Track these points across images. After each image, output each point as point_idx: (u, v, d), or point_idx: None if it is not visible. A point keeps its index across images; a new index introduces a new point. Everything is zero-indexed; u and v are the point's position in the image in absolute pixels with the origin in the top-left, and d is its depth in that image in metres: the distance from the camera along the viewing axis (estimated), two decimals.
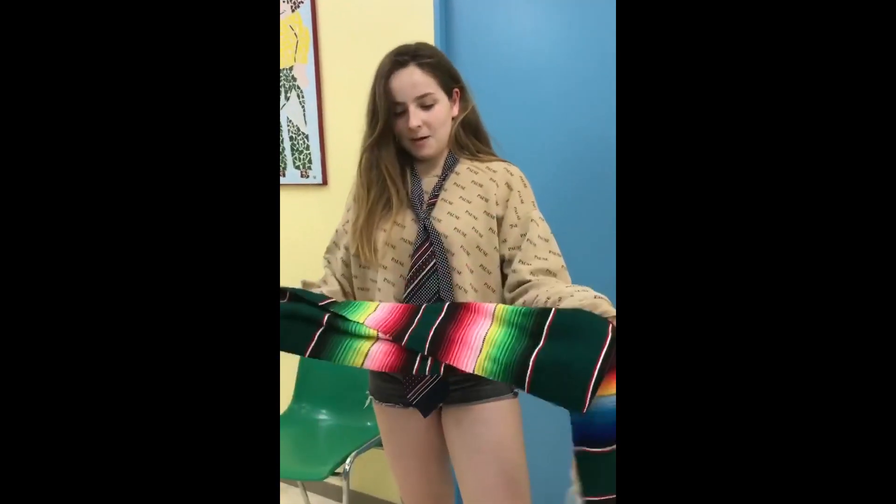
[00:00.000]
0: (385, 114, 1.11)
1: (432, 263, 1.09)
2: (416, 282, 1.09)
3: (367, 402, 1.28)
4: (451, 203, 1.13)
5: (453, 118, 1.18)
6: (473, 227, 1.11)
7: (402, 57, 1.12)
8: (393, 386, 1.18)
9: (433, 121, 1.13)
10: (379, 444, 1.81)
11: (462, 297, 1.09)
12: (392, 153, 1.15)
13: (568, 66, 1.55)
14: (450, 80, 1.15)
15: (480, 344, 0.89)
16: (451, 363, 0.88)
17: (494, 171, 1.16)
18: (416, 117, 1.11)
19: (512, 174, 1.16)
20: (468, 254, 1.10)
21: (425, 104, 1.12)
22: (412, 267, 1.10)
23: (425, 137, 1.14)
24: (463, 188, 1.15)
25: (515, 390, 1.17)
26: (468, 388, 1.13)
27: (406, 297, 1.09)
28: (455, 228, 1.10)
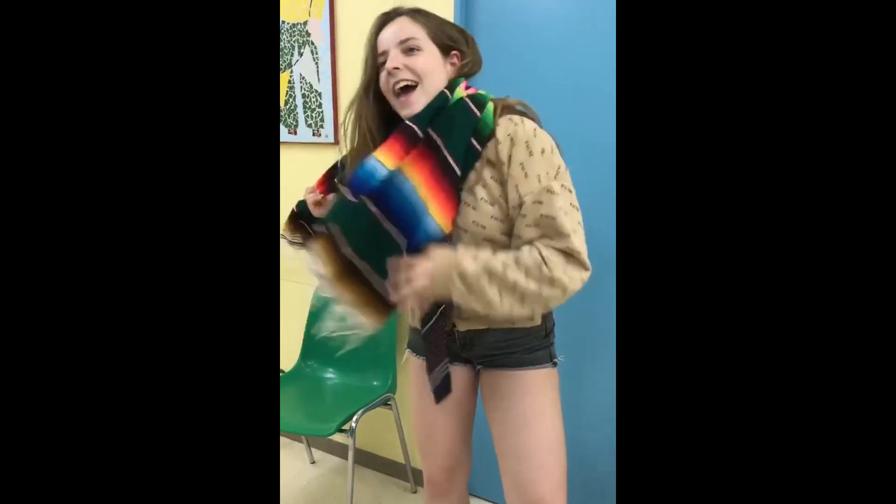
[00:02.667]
0: (371, 66, 1.07)
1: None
2: None
3: (405, 357, 1.28)
4: None
5: (449, 78, 1.07)
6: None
7: (391, 12, 1.09)
8: None
9: (417, 66, 1.03)
10: (384, 403, 1.83)
11: None
12: (374, 111, 1.08)
13: (591, 44, 1.51)
14: (445, 36, 1.07)
15: None
16: None
17: (499, 143, 0.99)
18: (395, 59, 1.03)
19: (515, 143, 0.98)
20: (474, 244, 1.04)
21: (408, 48, 1.04)
22: None
23: (410, 87, 1.02)
24: None
25: (555, 360, 1.17)
26: (509, 355, 1.13)
27: None
28: None
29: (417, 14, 1.08)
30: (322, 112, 1.96)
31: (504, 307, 0.94)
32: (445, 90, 1.05)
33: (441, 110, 1.02)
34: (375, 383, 1.88)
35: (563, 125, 1.55)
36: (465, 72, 1.09)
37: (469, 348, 1.14)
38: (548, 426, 1.12)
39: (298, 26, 1.95)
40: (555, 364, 1.17)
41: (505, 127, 1.00)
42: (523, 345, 1.13)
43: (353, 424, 1.69)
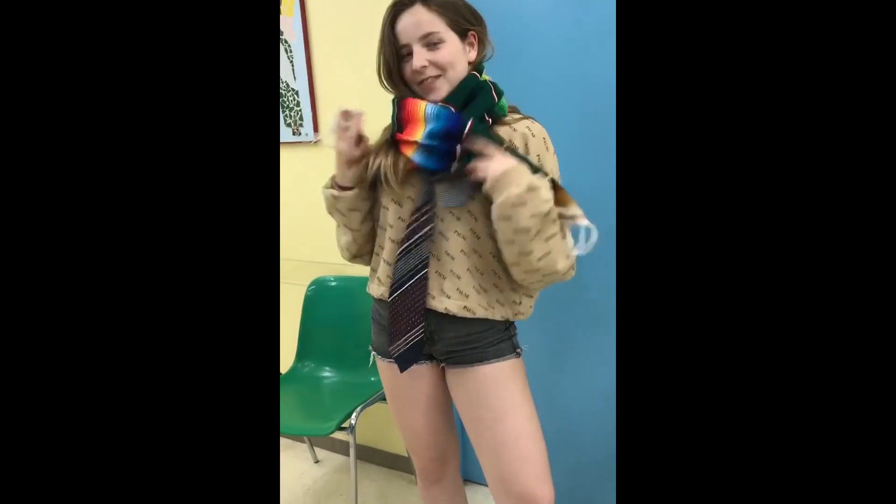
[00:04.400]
0: (392, 56, 1.06)
1: (428, 228, 1.06)
2: (409, 241, 1.08)
3: (371, 359, 1.28)
4: None
5: (469, 63, 1.10)
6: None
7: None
8: None
9: (441, 60, 1.05)
10: (383, 399, 1.83)
11: (449, 264, 1.09)
12: (406, 93, 1.09)
13: (570, 19, 1.50)
14: (462, 21, 1.08)
15: None
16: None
17: (514, 131, 1.08)
18: (419, 57, 1.04)
19: (533, 135, 1.08)
20: (458, 219, 1.08)
21: (431, 42, 1.05)
22: (409, 225, 1.08)
23: (435, 77, 1.06)
24: None
25: (518, 350, 1.17)
26: (471, 350, 1.13)
27: (399, 254, 1.09)
28: None
29: (433, 2, 1.06)
30: (300, 110, 1.94)
31: (535, 241, 1.01)
32: (475, 73, 1.09)
33: (474, 92, 1.08)
34: (373, 379, 1.88)
35: (549, 90, 1.55)
36: (483, 57, 1.12)
37: (432, 343, 1.14)
38: (521, 416, 1.12)
39: None
40: (518, 354, 1.16)
41: (522, 121, 1.09)
42: (485, 339, 1.12)
43: (353, 421, 1.69)
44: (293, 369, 2.00)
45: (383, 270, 1.14)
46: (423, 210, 1.07)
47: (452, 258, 1.09)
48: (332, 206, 1.17)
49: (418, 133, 1.05)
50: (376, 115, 1.16)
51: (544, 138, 1.09)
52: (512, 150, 1.04)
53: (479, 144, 1.02)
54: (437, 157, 1.05)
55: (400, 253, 1.09)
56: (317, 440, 2.24)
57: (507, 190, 0.99)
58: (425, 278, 1.08)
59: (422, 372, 1.19)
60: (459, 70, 1.07)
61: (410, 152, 1.06)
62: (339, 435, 1.82)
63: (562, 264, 1.05)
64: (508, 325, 1.16)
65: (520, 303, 1.15)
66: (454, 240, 1.08)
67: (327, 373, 1.98)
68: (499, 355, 1.13)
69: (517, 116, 1.11)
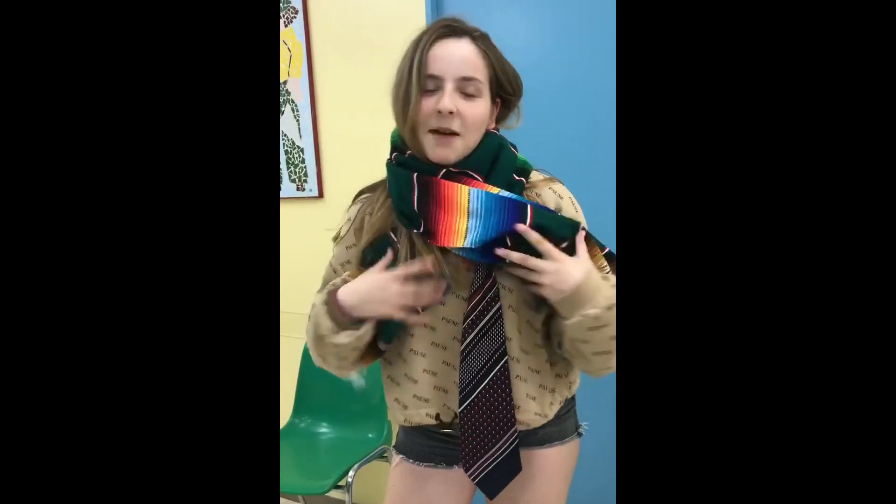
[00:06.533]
0: (417, 90, 0.85)
1: (496, 307, 0.88)
2: (474, 332, 0.89)
3: (394, 462, 1.08)
4: None
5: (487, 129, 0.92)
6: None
7: (456, 25, 0.87)
8: (436, 445, 0.99)
9: (471, 117, 0.86)
10: (381, 456, 1.80)
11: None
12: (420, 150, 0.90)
13: (561, 74, 1.56)
14: (504, 82, 0.90)
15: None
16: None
17: (538, 196, 0.93)
18: (451, 98, 0.84)
19: (561, 197, 0.94)
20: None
21: (467, 91, 0.86)
22: (468, 316, 0.88)
23: (453, 134, 0.86)
24: None
25: (580, 430, 1.04)
26: (528, 433, 0.95)
27: (464, 353, 0.90)
28: None
29: (483, 41, 0.88)
30: (305, 167, 1.99)
31: (611, 356, 0.86)
32: (498, 134, 0.94)
33: (498, 153, 0.92)
34: (370, 435, 1.85)
35: (542, 141, 1.59)
36: (504, 126, 0.98)
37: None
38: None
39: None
40: (580, 434, 1.03)
41: (544, 183, 0.95)
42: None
43: (350, 479, 1.66)
44: (289, 425, 1.97)
45: (425, 384, 0.93)
46: (483, 290, 0.89)
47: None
48: (336, 352, 0.90)
49: (460, 226, 0.86)
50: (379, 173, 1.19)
51: (571, 199, 0.95)
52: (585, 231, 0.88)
53: (533, 238, 0.84)
54: (481, 253, 0.88)
55: (464, 350, 0.89)
56: (311, 499, 2.18)
57: (579, 309, 0.82)
58: (505, 370, 0.88)
59: (447, 485, 1.02)
60: (478, 135, 0.90)
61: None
62: (335, 493, 1.78)
63: (614, 361, 0.87)
64: (573, 394, 1.04)
65: (567, 374, 0.98)
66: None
67: (324, 429, 1.95)
68: (562, 437, 0.99)
69: (540, 178, 0.96)
